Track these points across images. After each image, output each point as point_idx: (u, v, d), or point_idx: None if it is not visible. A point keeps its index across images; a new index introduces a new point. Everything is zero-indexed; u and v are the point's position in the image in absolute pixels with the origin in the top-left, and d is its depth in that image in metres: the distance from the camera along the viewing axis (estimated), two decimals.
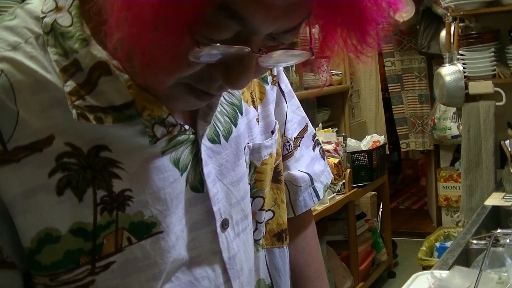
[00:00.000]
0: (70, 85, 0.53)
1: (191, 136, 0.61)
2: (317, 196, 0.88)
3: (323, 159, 0.91)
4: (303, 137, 0.87)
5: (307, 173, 0.86)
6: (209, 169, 0.63)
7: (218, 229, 0.65)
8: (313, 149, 0.89)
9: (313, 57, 0.53)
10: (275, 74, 0.79)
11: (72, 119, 0.53)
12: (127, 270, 0.57)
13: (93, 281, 0.56)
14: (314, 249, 0.91)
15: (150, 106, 0.55)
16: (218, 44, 0.46)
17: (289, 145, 0.85)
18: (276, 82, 0.79)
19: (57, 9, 0.54)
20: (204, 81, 0.52)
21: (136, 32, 0.43)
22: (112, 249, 0.56)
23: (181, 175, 0.61)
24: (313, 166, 0.88)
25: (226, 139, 0.66)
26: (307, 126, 0.88)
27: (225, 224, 0.66)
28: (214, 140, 0.64)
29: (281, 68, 0.80)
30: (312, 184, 0.87)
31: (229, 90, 0.66)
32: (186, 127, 0.60)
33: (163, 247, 0.59)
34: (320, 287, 0.89)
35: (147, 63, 0.46)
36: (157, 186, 0.58)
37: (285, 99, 0.83)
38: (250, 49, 0.47)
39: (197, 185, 0.63)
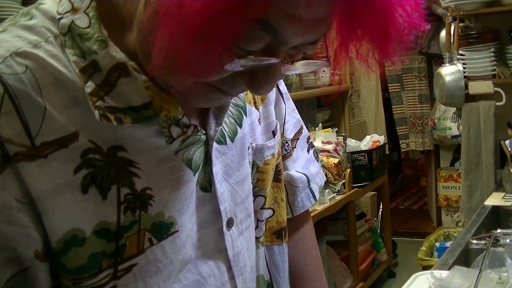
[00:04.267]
0: (90, 86, 0.53)
1: (203, 136, 0.62)
2: (314, 196, 0.90)
3: (317, 160, 0.94)
4: (298, 139, 0.89)
5: (304, 174, 0.88)
6: (216, 169, 0.65)
7: (224, 228, 0.66)
8: (308, 151, 0.91)
9: (330, 65, 0.55)
10: None
11: (91, 119, 0.53)
12: (148, 272, 0.58)
13: (115, 286, 0.56)
14: (313, 249, 0.93)
15: (166, 107, 0.56)
16: (252, 56, 0.48)
17: (287, 146, 0.86)
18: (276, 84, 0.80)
19: (74, 10, 0.55)
20: (226, 84, 0.53)
21: (178, 44, 0.45)
22: (134, 250, 0.57)
23: (194, 174, 0.62)
24: (309, 167, 0.90)
25: (232, 139, 0.67)
26: (302, 128, 0.90)
27: (230, 223, 0.67)
28: (220, 141, 0.66)
29: None
30: (309, 184, 0.89)
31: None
32: (199, 127, 0.61)
33: (177, 245, 0.60)
34: (319, 286, 0.90)
35: (182, 71, 0.48)
36: (173, 185, 0.59)
37: (283, 101, 0.84)
38: (279, 60, 0.50)
39: (206, 184, 0.64)
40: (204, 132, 0.63)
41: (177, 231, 0.60)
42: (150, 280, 0.58)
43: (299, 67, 0.54)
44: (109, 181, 0.55)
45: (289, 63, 0.52)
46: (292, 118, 0.88)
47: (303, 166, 0.89)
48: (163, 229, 0.59)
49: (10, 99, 0.50)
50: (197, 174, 0.62)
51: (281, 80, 0.84)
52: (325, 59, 0.55)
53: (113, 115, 0.54)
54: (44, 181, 0.51)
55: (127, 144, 0.56)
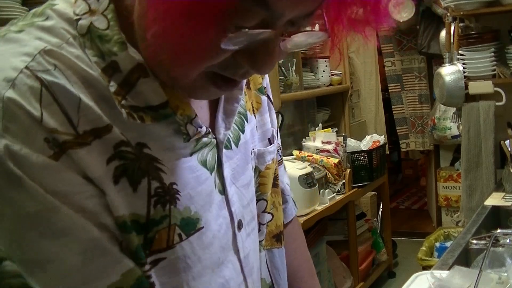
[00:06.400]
0: (113, 86, 0.54)
1: (213, 140, 0.64)
2: (295, 205, 0.95)
3: (286, 172, 0.97)
4: (280, 149, 0.92)
5: (287, 183, 0.93)
6: (226, 172, 0.66)
7: (236, 230, 0.67)
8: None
9: (329, 37, 0.55)
10: (265, 86, 0.82)
11: (117, 116, 0.54)
12: (177, 268, 0.59)
13: (150, 276, 0.57)
14: (305, 250, 0.97)
15: (182, 105, 0.58)
16: (247, 30, 0.48)
17: (280, 152, 0.90)
18: (266, 94, 0.83)
19: (91, 12, 0.55)
20: (229, 68, 0.54)
21: (171, 24, 0.46)
22: (163, 245, 0.57)
23: (211, 174, 0.63)
24: (284, 177, 0.93)
25: (236, 144, 0.69)
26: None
27: (240, 225, 0.68)
28: (227, 146, 0.67)
29: (268, 81, 0.85)
30: (290, 193, 0.93)
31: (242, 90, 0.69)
32: (209, 130, 0.63)
33: (204, 243, 0.61)
34: (314, 285, 0.94)
35: (180, 54, 0.49)
36: (193, 183, 0.60)
37: (274, 110, 0.87)
38: (274, 31, 0.50)
39: (221, 188, 0.65)
40: (213, 136, 0.64)
41: (203, 227, 0.61)
42: (177, 277, 0.59)
43: (297, 41, 0.54)
44: (139, 174, 0.55)
45: (287, 36, 0.52)
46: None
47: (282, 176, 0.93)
48: (191, 225, 0.60)
49: (48, 92, 0.50)
50: (213, 173, 0.64)
51: (269, 89, 0.86)
52: (324, 31, 0.54)
53: (136, 114, 0.55)
54: (95, 166, 0.52)
55: (149, 142, 0.57)
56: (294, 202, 0.95)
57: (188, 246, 0.59)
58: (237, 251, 0.68)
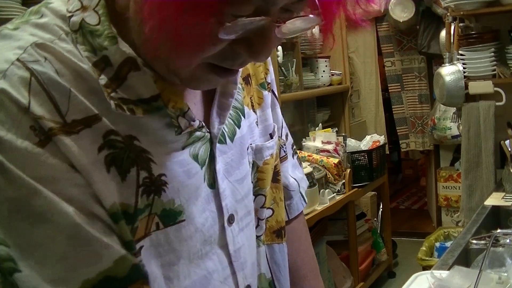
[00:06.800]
0: (103, 79, 0.55)
1: (207, 134, 0.65)
2: (304, 200, 0.95)
3: (300, 166, 0.98)
4: (285, 145, 0.93)
5: (294, 178, 0.92)
6: (219, 166, 0.67)
7: (226, 224, 0.68)
8: (293, 156, 0.95)
9: (322, 22, 0.56)
10: (269, 81, 0.83)
11: (107, 109, 0.55)
12: (150, 254, 0.59)
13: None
14: (309, 249, 0.97)
15: (174, 98, 0.59)
16: (243, 18, 0.49)
17: (285, 148, 0.90)
18: (270, 89, 0.84)
19: (83, 8, 0.56)
20: (228, 59, 0.55)
21: (167, 17, 0.47)
22: (142, 233, 0.59)
23: (201, 168, 0.64)
24: (295, 172, 0.94)
25: (231, 139, 0.70)
26: (287, 134, 0.94)
27: (231, 219, 0.69)
28: (221, 141, 0.68)
29: (273, 77, 0.85)
30: (299, 188, 0.93)
31: (238, 86, 0.70)
32: (203, 123, 0.64)
33: (182, 235, 0.62)
34: (317, 285, 0.94)
35: (178, 46, 0.50)
36: (183, 176, 0.61)
37: (279, 106, 0.88)
38: (269, 18, 0.51)
39: (211, 182, 0.66)
40: (207, 130, 0.65)
41: (184, 220, 0.62)
42: (150, 263, 0.60)
43: (292, 27, 0.54)
44: (128, 163, 0.56)
45: (282, 23, 0.53)
46: (284, 123, 0.91)
47: (291, 171, 0.93)
48: (171, 217, 0.61)
49: (37, 82, 0.52)
50: (203, 168, 0.64)
51: (275, 85, 0.86)
52: (317, 15, 0.55)
53: (126, 106, 0.56)
54: (81, 155, 0.53)
55: (140, 135, 0.58)
56: (303, 197, 0.95)
57: (162, 236, 0.60)
58: (225, 245, 0.68)
